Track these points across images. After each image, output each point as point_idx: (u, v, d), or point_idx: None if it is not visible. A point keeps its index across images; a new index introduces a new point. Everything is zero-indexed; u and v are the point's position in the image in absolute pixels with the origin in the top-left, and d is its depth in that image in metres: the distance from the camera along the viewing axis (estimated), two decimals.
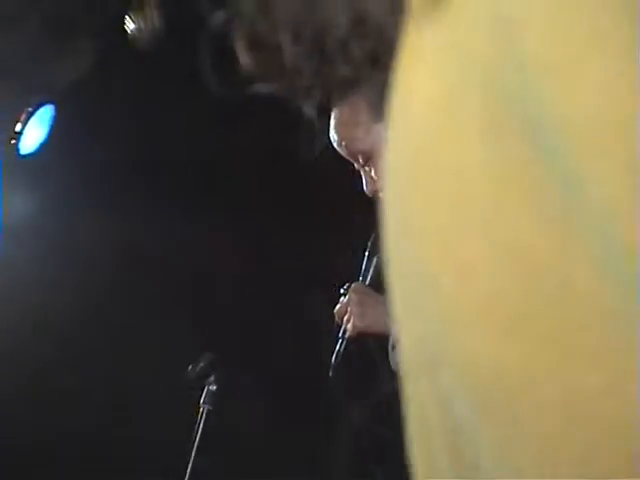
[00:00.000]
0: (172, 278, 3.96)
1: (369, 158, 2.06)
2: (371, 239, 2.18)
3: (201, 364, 2.07)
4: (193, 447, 1.97)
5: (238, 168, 3.84)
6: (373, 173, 2.07)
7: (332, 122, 2.11)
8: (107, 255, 3.73)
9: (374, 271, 2.13)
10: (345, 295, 2.08)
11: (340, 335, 2.10)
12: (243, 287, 3.94)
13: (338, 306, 2.08)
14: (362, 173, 2.11)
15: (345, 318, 2.06)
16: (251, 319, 3.85)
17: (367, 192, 2.13)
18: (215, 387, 2.03)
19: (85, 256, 3.77)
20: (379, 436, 2.10)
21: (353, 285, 2.10)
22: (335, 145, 2.13)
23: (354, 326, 2.04)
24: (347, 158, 2.12)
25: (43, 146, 3.61)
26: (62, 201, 3.80)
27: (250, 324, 3.89)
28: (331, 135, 2.12)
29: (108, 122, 3.70)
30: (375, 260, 2.14)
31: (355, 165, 2.13)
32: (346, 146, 2.08)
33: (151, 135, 3.72)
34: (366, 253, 2.17)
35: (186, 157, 3.85)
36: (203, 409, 2.00)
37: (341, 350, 2.08)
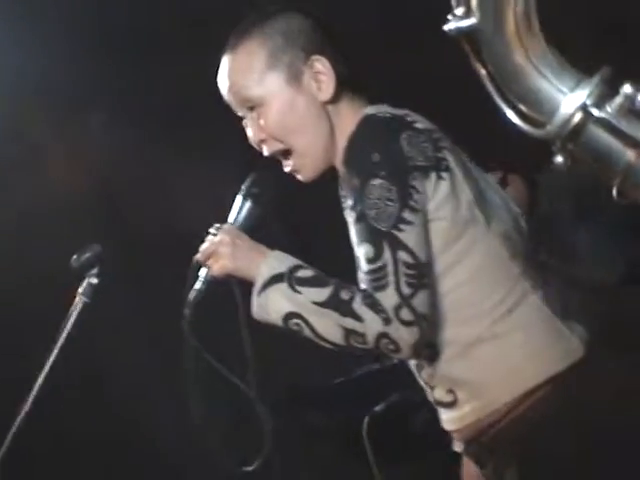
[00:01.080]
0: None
1: (257, 106, 2.08)
2: (247, 181, 2.15)
3: (87, 255, 2.02)
4: (62, 335, 1.91)
5: None
6: (262, 122, 2.08)
7: (224, 67, 2.12)
8: None
9: (247, 215, 2.09)
10: (215, 235, 2.06)
11: (202, 274, 2.08)
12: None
13: (205, 245, 2.06)
14: (248, 121, 2.12)
15: (212, 258, 2.03)
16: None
17: (251, 140, 2.11)
18: (96, 281, 1.96)
19: None
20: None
21: (224, 226, 2.08)
22: (222, 89, 2.13)
23: (223, 266, 2.02)
24: (231, 105, 2.14)
25: None
26: None
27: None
28: (221, 80, 2.13)
29: None
30: (249, 204, 2.10)
31: (239, 112, 2.14)
32: (236, 92, 2.09)
33: None
34: (240, 195, 2.13)
35: None
36: (80, 300, 1.94)
37: (202, 289, 2.06)
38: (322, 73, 2.07)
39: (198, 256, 2.06)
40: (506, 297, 2.05)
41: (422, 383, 2.16)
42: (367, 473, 3.19)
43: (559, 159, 1.19)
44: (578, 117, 1.17)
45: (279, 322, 1.99)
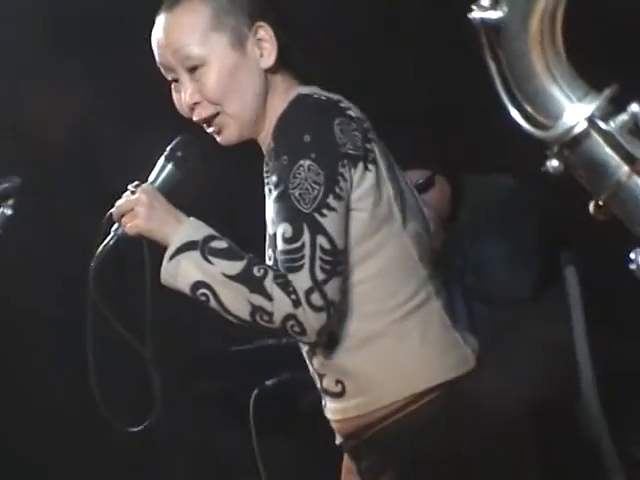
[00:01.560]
0: None
1: (198, 65, 2.06)
2: (172, 144, 2.13)
3: (4, 185, 1.99)
4: None
5: None
6: (200, 83, 2.06)
7: (162, 26, 2.08)
8: None
9: (167, 178, 2.08)
10: (133, 193, 2.03)
11: (114, 230, 2.05)
12: None
13: (122, 201, 2.03)
14: (183, 83, 2.08)
15: (127, 216, 2.01)
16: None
17: (181, 103, 2.11)
18: (10, 212, 1.94)
19: None
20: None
21: (144, 185, 2.05)
22: (158, 48, 2.09)
23: (136, 226, 2.00)
24: (164, 66, 2.10)
25: None
26: None
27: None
28: (158, 38, 2.09)
29: None
30: (170, 166, 2.08)
31: (170, 75, 2.11)
32: (176, 50, 2.06)
33: None
34: (163, 157, 2.11)
35: None
36: None
37: (109, 244, 2.04)
38: (265, 40, 2.06)
39: (112, 211, 2.04)
40: (410, 298, 2.07)
41: (311, 370, 2.17)
42: (249, 444, 3.21)
43: (553, 163, 1.21)
44: (582, 126, 1.20)
45: (186, 290, 1.98)
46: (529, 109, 1.23)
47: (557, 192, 3.64)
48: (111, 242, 2.04)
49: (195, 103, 2.07)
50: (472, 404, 2.09)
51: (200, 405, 3.92)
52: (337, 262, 1.94)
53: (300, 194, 1.93)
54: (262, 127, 2.09)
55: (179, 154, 2.10)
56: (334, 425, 2.17)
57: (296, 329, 1.93)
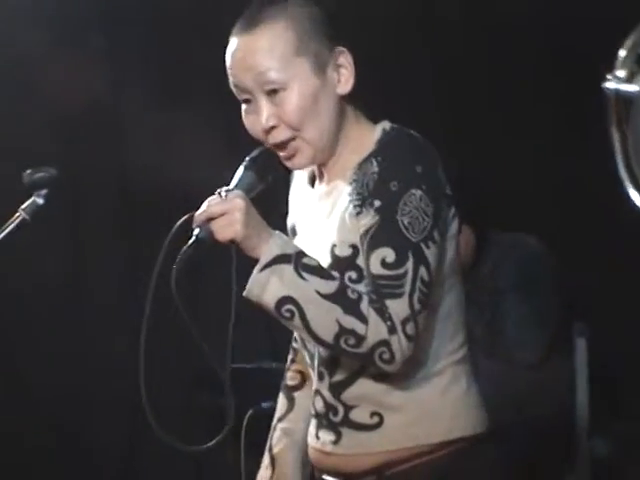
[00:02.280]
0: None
1: (280, 89, 2.01)
2: (254, 154, 2.07)
3: (40, 174, 1.96)
4: None
5: None
6: (280, 107, 2.02)
7: (242, 48, 2.03)
8: None
9: (248, 187, 2.00)
10: (221, 197, 1.92)
11: (196, 233, 1.93)
12: None
13: (210, 204, 1.93)
14: (260, 106, 2.03)
15: (222, 220, 1.91)
16: None
17: (255, 127, 2.05)
18: (42, 202, 1.91)
19: None
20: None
21: (237, 191, 1.97)
22: (235, 70, 2.04)
23: (234, 232, 1.90)
24: (241, 87, 2.04)
25: None
26: None
27: None
28: (236, 60, 2.04)
29: None
30: (252, 175, 2.03)
31: (244, 96, 2.05)
32: (259, 74, 2.01)
33: None
34: (242, 166, 2.05)
35: None
36: (20, 215, 1.89)
37: (194, 249, 1.90)
38: (344, 67, 2.03)
39: (197, 213, 1.94)
40: (460, 347, 2.08)
41: (327, 400, 2.09)
42: (237, 464, 3.18)
43: None
44: None
45: (271, 304, 1.91)
46: None
47: (577, 262, 3.68)
48: (194, 246, 1.93)
49: (272, 127, 2.03)
50: (490, 462, 2.10)
51: (192, 419, 3.89)
52: (430, 294, 1.94)
53: (410, 222, 1.92)
54: (332, 153, 2.07)
55: (261, 164, 2.04)
56: (336, 460, 2.12)
57: (386, 356, 1.90)
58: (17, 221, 1.89)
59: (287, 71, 2.00)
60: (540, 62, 4.02)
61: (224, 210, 1.93)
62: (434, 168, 1.98)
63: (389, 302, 1.90)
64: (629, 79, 1.18)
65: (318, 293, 1.89)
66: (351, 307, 1.89)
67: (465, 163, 3.88)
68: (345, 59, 2.04)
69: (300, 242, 2.11)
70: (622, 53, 1.20)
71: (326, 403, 2.10)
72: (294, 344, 2.32)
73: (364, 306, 1.90)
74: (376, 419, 2.05)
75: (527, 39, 4.01)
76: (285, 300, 1.90)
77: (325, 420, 2.11)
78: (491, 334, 3.40)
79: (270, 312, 1.93)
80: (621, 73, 1.19)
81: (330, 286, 1.90)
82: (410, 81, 4.10)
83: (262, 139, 2.06)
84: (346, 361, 2.03)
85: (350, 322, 1.89)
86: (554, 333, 3.38)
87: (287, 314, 1.91)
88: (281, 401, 2.35)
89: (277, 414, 2.35)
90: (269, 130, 2.03)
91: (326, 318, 1.89)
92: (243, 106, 2.07)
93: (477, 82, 4.10)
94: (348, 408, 2.07)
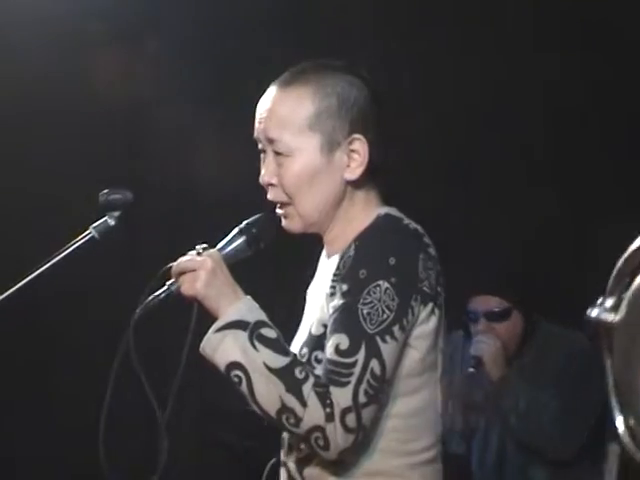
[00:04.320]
0: None
1: (283, 154, 2.02)
2: (252, 220, 2.08)
3: (116, 195, 1.96)
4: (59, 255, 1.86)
5: None
6: (280, 170, 2.02)
7: (270, 97, 2.04)
8: None
9: (235, 251, 2.01)
10: (199, 254, 1.97)
11: (169, 283, 1.97)
12: None
13: (186, 258, 1.97)
14: (266, 159, 2.05)
15: (187, 276, 1.94)
16: None
17: (261, 176, 2.06)
18: (113, 223, 1.91)
19: None
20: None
21: (212, 251, 2.00)
22: (259, 116, 2.05)
23: (194, 289, 1.93)
24: (259, 134, 2.05)
25: None
26: None
27: None
28: (262, 107, 2.05)
29: None
30: (242, 241, 2.04)
31: (260, 144, 2.06)
32: (268, 130, 2.02)
33: None
34: (237, 228, 2.06)
35: None
36: (90, 233, 1.89)
37: (160, 297, 1.95)
38: (357, 153, 2.02)
39: (173, 265, 1.98)
40: (426, 450, 2.03)
41: (290, 473, 2.07)
42: None
43: None
44: None
45: (221, 366, 1.93)
46: (633, 423, 1.18)
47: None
48: (162, 295, 1.97)
49: (270, 184, 2.05)
50: None
51: (212, 459, 3.87)
52: (381, 390, 1.91)
53: (369, 313, 1.90)
54: (331, 229, 2.06)
55: (254, 231, 2.05)
56: None
57: (320, 442, 1.89)
58: (86, 238, 1.89)
59: (295, 140, 2.01)
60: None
61: (192, 267, 1.95)
62: (412, 263, 1.94)
63: (333, 389, 1.88)
64: (615, 307, 1.16)
65: (266, 365, 1.90)
66: (294, 386, 1.88)
67: (518, 250, 3.89)
68: (360, 146, 2.02)
69: (305, 313, 2.12)
70: (612, 281, 1.18)
71: (290, 476, 2.08)
72: None
73: (307, 388, 1.88)
74: None
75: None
76: (235, 365, 1.91)
77: None
78: (525, 426, 3.35)
79: (221, 373, 1.94)
80: (608, 302, 1.17)
81: (280, 361, 1.90)
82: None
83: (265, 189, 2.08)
84: None
85: (291, 401, 1.88)
86: (590, 433, 3.33)
87: (235, 379, 1.92)
88: None
89: None
90: (267, 186, 2.06)
91: (270, 392, 1.89)
92: (261, 155, 2.09)
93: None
94: None
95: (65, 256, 1.88)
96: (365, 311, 1.90)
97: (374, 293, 1.91)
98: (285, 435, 2.07)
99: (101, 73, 4.10)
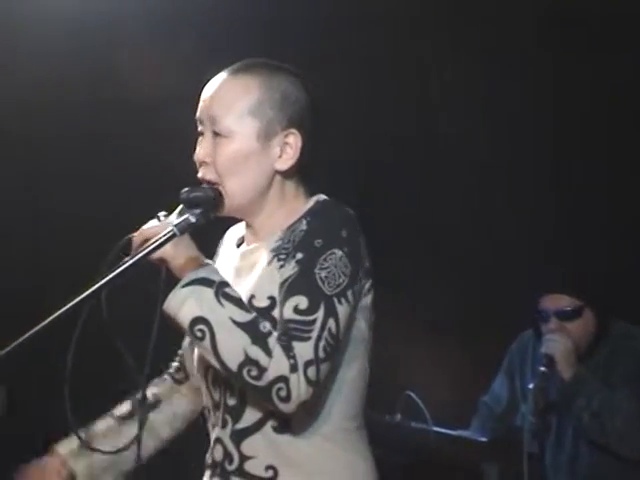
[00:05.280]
0: None
1: (222, 135, 2.11)
2: (198, 192, 2.11)
3: (198, 193, 2.01)
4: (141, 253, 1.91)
5: None
6: (216, 148, 2.10)
7: (218, 82, 2.14)
8: None
9: (190, 222, 2.02)
10: (159, 220, 2.05)
11: (136, 250, 2.00)
12: None
13: (148, 225, 2.04)
14: (204, 140, 2.14)
15: (153, 240, 1.99)
16: None
17: (196, 154, 2.14)
18: (193, 220, 1.96)
19: None
20: None
21: (172, 216, 2.07)
22: (203, 100, 2.14)
23: (163, 250, 1.98)
24: (201, 116, 2.14)
25: None
26: None
27: None
28: (207, 92, 2.14)
29: None
30: (198, 211, 2.06)
31: (200, 126, 2.15)
32: (213, 111, 2.12)
33: None
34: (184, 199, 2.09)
35: None
36: (171, 230, 1.93)
37: (131, 264, 1.96)
38: (290, 147, 2.14)
39: (136, 234, 2.04)
40: (360, 416, 2.14)
41: (225, 448, 2.12)
42: None
43: None
44: None
45: (185, 322, 1.98)
46: None
47: None
48: (131, 261, 1.99)
49: (204, 162, 2.13)
50: None
51: None
52: (335, 349, 2.01)
53: (326, 277, 2.02)
54: (257, 216, 2.16)
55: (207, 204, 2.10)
56: None
57: (282, 393, 1.96)
58: (167, 235, 1.93)
59: (235, 124, 2.11)
60: None
61: (157, 232, 2.01)
62: (357, 237, 2.07)
63: (295, 343, 1.97)
64: None
65: (231, 319, 1.97)
66: (259, 338, 1.96)
67: (589, 248, 3.87)
68: (294, 141, 2.13)
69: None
70: None
71: (225, 451, 2.12)
72: (192, 380, 2.32)
73: (272, 340, 1.96)
74: (270, 473, 2.08)
75: None
76: (198, 320, 1.97)
77: (219, 469, 2.13)
78: (599, 426, 3.33)
79: (184, 330, 2.00)
80: None
81: (244, 316, 1.98)
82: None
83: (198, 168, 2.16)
84: (252, 409, 2.07)
85: (255, 352, 1.95)
86: None
87: (199, 334, 1.97)
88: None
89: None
90: (201, 164, 2.14)
91: (234, 345, 1.96)
92: (199, 137, 2.17)
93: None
94: (244, 458, 2.10)
95: (147, 253, 1.92)
96: (323, 274, 2.02)
97: (330, 260, 2.03)
98: (220, 411, 2.12)
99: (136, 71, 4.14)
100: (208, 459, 2.18)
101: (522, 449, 3.27)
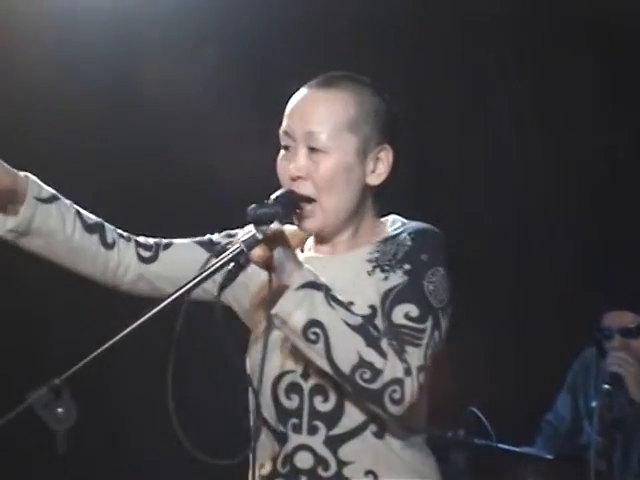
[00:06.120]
0: None
1: (320, 151, 2.11)
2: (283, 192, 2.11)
3: (265, 209, 2.01)
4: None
5: None
6: (314, 166, 2.10)
7: (308, 100, 2.14)
8: None
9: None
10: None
11: (235, 254, 1.97)
12: None
13: (246, 230, 2.01)
14: (297, 155, 2.12)
15: (257, 249, 1.98)
16: None
17: (285, 169, 2.12)
18: (261, 237, 1.95)
19: None
20: None
21: (277, 225, 2.03)
22: (292, 116, 2.13)
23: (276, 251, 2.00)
24: (291, 133, 2.12)
25: None
26: None
27: None
28: (297, 108, 2.13)
29: None
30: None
31: (286, 141, 2.13)
32: (310, 128, 2.11)
33: None
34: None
35: None
36: (239, 247, 1.93)
37: (230, 268, 1.94)
38: (382, 162, 2.15)
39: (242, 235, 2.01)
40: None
41: (316, 455, 2.08)
42: None
43: None
44: None
45: (299, 325, 1.97)
46: None
47: None
48: (233, 263, 1.97)
49: (299, 177, 2.10)
50: None
51: None
52: (433, 359, 2.05)
53: (433, 290, 2.05)
54: (343, 233, 2.15)
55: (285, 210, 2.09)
56: None
57: (396, 396, 1.97)
58: (235, 252, 1.94)
59: (334, 140, 2.11)
60: None
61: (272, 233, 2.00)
62: (449, 263, 2.11)
63: (409, 348, 1.99)
64: None
65: (345, 322, 1.98)
66: (373, 341, 1.97)
67: None
68: (386, 156, 2.15)
69: None
70: None
71: (317, 458, 2.10)
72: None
73: (385, 343, 1.98)
74: (370, 478, 2.07)
75: None
76: (314, 323, 1.97)
77: (310, 476, 2.10)
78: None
79: (293, 333, 1.99)
80: None
81: (355, 319, 1.99)
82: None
83: (285, 184, 2.13)
84: (351, 415, 2.06)
85: (370, 355, 1.96)
86: None
87: (312, 337, 1.97)
88: None
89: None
90: (296, 179, 2.12)
91: (348, 347, 1.97)
92: (281, 152, 2.16)
93: None
94: (343, 464, 2.08)
95: (216, 269, 1.93)
96: (431, 287, 2.05)
97: (435, 275, 2.07)
98: (305, 419, 2.09)
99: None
100: (280, 467, 2.12)
101: (589, 467, 3.26)
